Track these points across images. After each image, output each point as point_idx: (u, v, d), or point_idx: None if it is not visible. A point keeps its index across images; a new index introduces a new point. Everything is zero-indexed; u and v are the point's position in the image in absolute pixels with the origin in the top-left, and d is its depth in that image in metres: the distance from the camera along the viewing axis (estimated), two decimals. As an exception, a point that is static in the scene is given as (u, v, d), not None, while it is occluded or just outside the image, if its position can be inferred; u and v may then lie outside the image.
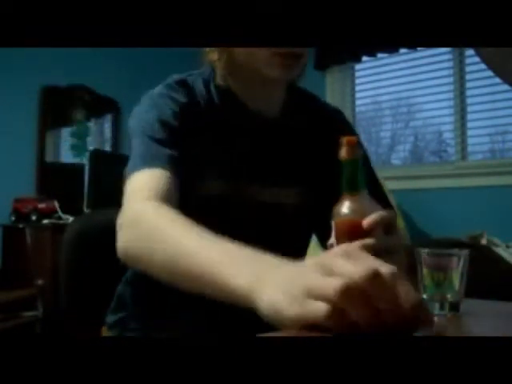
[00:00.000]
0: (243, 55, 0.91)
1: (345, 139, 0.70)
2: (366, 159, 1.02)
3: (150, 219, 0.76)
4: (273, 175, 0.97)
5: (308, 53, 0.91)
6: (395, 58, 3.23)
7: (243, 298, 0.59)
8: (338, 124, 1.04)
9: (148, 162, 0.84)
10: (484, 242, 2.32)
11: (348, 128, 1.06)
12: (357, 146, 0.70)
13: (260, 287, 0.57)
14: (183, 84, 0.94)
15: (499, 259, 1.96)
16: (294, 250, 0.94)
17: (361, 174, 0.70)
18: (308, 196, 0.99)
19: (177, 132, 0.89)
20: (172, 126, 0.89)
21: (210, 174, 0.91)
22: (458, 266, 0.71)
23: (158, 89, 0.94)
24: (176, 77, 0.96)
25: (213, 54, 0.95)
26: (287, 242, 0.95)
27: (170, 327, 0.93)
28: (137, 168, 0.84)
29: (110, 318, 1.01)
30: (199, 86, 0.96)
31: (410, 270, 0.72)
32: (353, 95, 3.41)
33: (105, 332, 1.03)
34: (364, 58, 3.28)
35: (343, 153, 0.70)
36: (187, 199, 0.88)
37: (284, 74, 0.88)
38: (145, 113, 0.92)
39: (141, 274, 0.94)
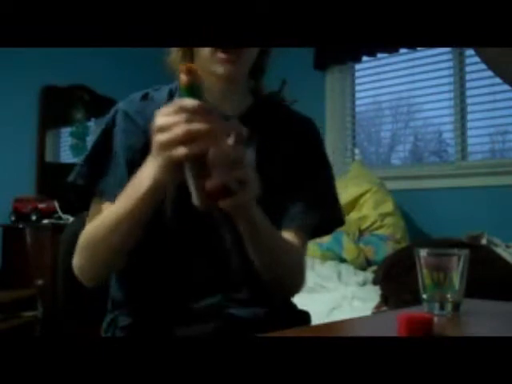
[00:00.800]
0: (197, 56, 0.94)
1: (184, 66, 0.72)
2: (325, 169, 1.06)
3: (85, 231, 0.93)
4: None
5: (251, 51, 0.94)
6: (395, 58, 3.23)
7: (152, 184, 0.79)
8: (304, 133, 1.06)
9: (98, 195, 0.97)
10: (484, 242, 2.32)
11: (314, 138, 1.07)
12: (196, 73, 0.73)
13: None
14: (143, 97, 0.99)
15: (499, 259, 1.96)
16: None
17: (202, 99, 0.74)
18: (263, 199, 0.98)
19: (120, 159, 0.95)
20: (115, 155, 0.96)
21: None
22: (457, 266, 0.71)
23: (107, 116, 0.99)
24: (135, 95, 0.99)
25: (176, 58, 0.96)
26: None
27: (158, 323, 0.94)
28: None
29: (105, 321, 1.02)
30: (161, 96, 0.98)
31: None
32: (353, 95, 3.41)
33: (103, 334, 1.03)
34: (364, 58, 3.28)
35: (182, 80, 0.73)
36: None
37: (226, 69, 0.90)
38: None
39: (125, 272, 0.97)
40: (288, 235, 0.99)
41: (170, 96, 1.00)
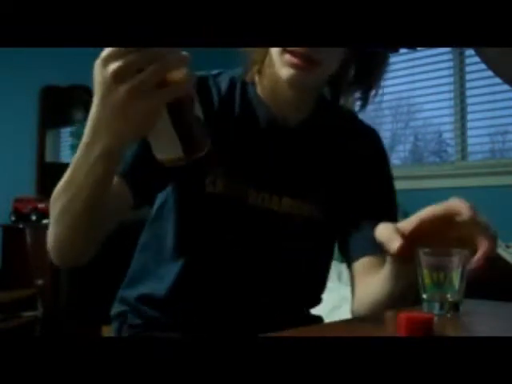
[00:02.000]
0: (269, 57, 0.89)
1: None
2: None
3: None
4: (282, 184, 0.92)
5: (332, 62, 0.86)
6: (395, 58, 3.23)
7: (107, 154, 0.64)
8: (368, 145, 1.00)
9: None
10: (484, 241, 2.31)
11: (378, 150, 1.01)
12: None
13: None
14: (200, 83, 0.90)
15: (499, 259, 1.96)
16: (298, 261, 0.94)
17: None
18: (321, 212, 0.94)
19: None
20: None
21: (217, 173, 0.89)
22: (458, 266, 0.71)
23: None
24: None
25: (253, 54, 0.92)
26: (292, 253, 0.93)
27: (168, 327, 0.93)
28: None
29: (113, 311, 1.00)
30: (222, 85, 0.93)
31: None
32: (353, 95, 3.41)
33: (105, 328, 1.03)
34: (364, 58, 3.28)
35: None
36: (193, 194, 0.89)
37: (294, 74, 0.83)
38: None
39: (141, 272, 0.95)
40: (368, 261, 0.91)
41: (230, 87, 0.93)
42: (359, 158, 0.97)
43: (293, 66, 0.83)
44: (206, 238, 0.91)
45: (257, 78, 0.94)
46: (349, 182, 0.96)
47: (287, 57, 0.83)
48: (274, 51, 0.86)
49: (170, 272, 0.92)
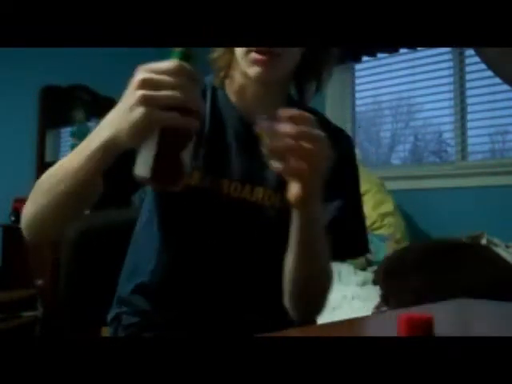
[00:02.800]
0: (234, 56, 0.93)
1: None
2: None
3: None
4: (253, 174, 0.96)
5: (291, 54, 0.90)
6: (395, 58, 3.23)
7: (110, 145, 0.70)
8: (339, 147, 0.99)
9: None
10: (484, 242, 2.32)
11: (349, 154, 1.04)
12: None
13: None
14: None
15: (499, 259, 1.96)
16: (269, 251, 0.96)
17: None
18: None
19: None
20: None
21: (194, 167, 0.92)
22: None
23: None
24: None
25: (216, 55, 0.97)
26: (263, 243, 0.96)
27: (164, 325, 0.94)
28: None
29: (109, 315, 1.02)
30: None
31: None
32: (353, 95, 3.41)
33: (105, 330, 1.04)
34: (364, 58, 3.28)
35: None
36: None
37: (260, 71, 0.87)
38: None
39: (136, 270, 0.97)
40: None
41: (203, 90, 0.98)
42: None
43: (258, 63, 0.87)
44: (187, 228, 0.95)
45: (227, 82, 0.99)
46: None
47: (252, 55, 0.87)
48: (239, 53, 0.90)
49: (159, 265, 0.96)
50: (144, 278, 0.97)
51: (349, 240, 0.99)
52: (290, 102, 1.01)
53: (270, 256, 0.94)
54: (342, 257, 1.05)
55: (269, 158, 0.72)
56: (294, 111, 0.72)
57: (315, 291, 0.92)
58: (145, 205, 1.02)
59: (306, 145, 0.71)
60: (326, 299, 0.94)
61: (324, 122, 1.02)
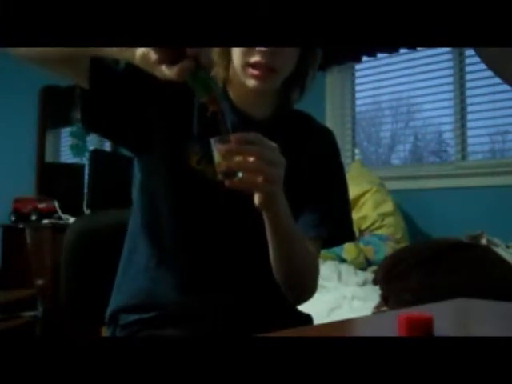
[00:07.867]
0: (231, 66, 0.99)
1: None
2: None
3: None
4: None
5: (287, 68, 0.98)
6: (395, 58, 3.23)
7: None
8: (323, 145, 1.10)
9: None
10: (484, 242, 2.32)
11: (332, 149, 1.11)
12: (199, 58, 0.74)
13: None
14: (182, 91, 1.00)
15: (499, 259, 1.96)
16: (262, 233, 0.98)
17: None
18: None
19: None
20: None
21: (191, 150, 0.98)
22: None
23: None
24: None
25: (215, 57, 1.00)
26: (257, 225, 0.98)
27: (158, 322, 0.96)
28: None
29: (106, 315, 1.03)
30: None
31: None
32: (353, 95, 3.40)
33: (105, 329, 1.04)
34: (364, 58, 3.28)
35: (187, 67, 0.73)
36: (177, 166, 0.98)
37: (257, 84, 0.94)
38: None
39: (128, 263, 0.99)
40: None
41: None
42: (313, 152, 1.07)
43: (254, 77, 0.94)
44: (187, 211, 1.00)
45: (228, 84, 1.05)
46: (302, 173, 1.04)
47: (250, 70, 0.94)
48: (237, 65, 0.96)
49: (155, 256, 0.99)
50: (143, 263, 1.00)
51: (335, 228, 1.06)
52: (282, 105, 1.08)
53: (263, 238, 0.97)
54: (329, 245, 1.10)
55: (221, 175, 0.79)
56: (244, 134, 0.79)
57: (298, 281, 0.98)
58: (135, 201, 1.06)
59: (254, 161, 0.78)
60: (312, 286, 1.02)
61: (308, 122, 1.13)
